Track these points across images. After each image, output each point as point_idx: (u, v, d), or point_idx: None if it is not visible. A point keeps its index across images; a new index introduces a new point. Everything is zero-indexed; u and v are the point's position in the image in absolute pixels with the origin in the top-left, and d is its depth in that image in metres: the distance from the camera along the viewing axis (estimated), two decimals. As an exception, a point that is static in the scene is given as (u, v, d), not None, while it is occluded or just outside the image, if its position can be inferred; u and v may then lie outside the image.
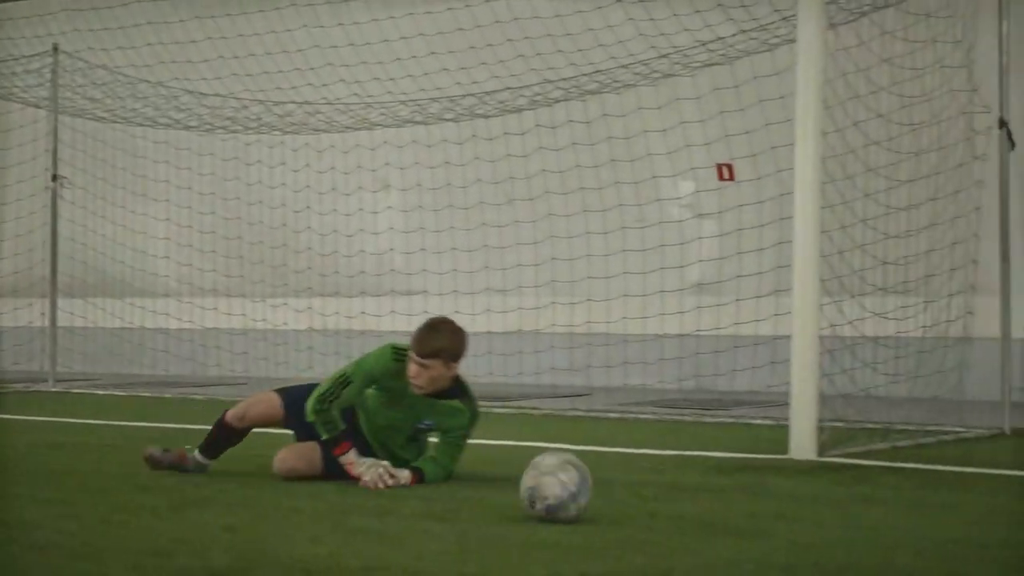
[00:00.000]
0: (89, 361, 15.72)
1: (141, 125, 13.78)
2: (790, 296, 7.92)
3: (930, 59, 9.30)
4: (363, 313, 13.08)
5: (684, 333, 11.62)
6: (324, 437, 6.68)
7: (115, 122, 14.08)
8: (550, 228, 12.16)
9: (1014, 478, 7.35)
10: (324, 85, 11.47)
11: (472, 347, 12.54)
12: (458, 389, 6.80)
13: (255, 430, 7.01)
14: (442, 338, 6.61)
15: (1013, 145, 9.42)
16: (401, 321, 12.93)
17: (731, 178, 11.52)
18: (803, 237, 7.90)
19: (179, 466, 6.99)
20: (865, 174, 9.14)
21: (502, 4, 10.50)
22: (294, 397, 6.87)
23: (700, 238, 11.80)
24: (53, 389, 13.71)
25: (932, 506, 6.30)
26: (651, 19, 9.86)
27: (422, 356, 6.54)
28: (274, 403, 6.91)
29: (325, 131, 12.46)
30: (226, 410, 6.98)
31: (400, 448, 6.87)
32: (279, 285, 13.75)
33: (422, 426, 6.85)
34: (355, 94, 11.59)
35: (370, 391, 6.80)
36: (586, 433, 9.41)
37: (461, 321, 6.57)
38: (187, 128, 13.31)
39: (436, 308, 12.81)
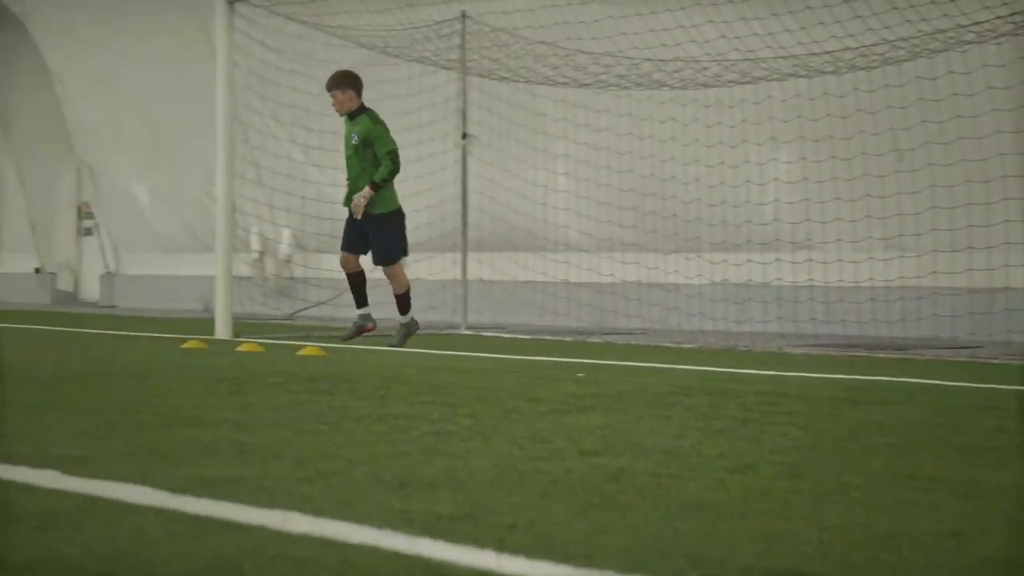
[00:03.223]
0: (499, 311, 16.65)
1: (540, 84, 14.55)
2: None
3: None
4: (749, 262, 13.50)
5: None
6: None
7: (517, 82, 14.93)
8: (931, 177, 12.26)
9: None
10: (706, 41, 11.95)
11: (855, 296, 12.67)
12: (364, 110, 11.64)
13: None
14: (334, 76, 11.76)
15: None
16: (787, 270, 13.28)
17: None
18: None
19: (363, 330, 11.96)
20: None
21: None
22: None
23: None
24: (465, 333, 14.73)
25: None
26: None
27: (328, 90, 11.74)
28: (341, 255, 11.86)
29: (712, 86, 12.95)
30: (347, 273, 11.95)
31: (365, 179, 11.53)
32: (669, 236, 14.28)
33: (353, 140, 11.55)
34: (736, 49, 12.04)
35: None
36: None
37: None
38: (583, 86, 14.03)
39: (820, 258, 13.10)
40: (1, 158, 23.76)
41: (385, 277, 11.84)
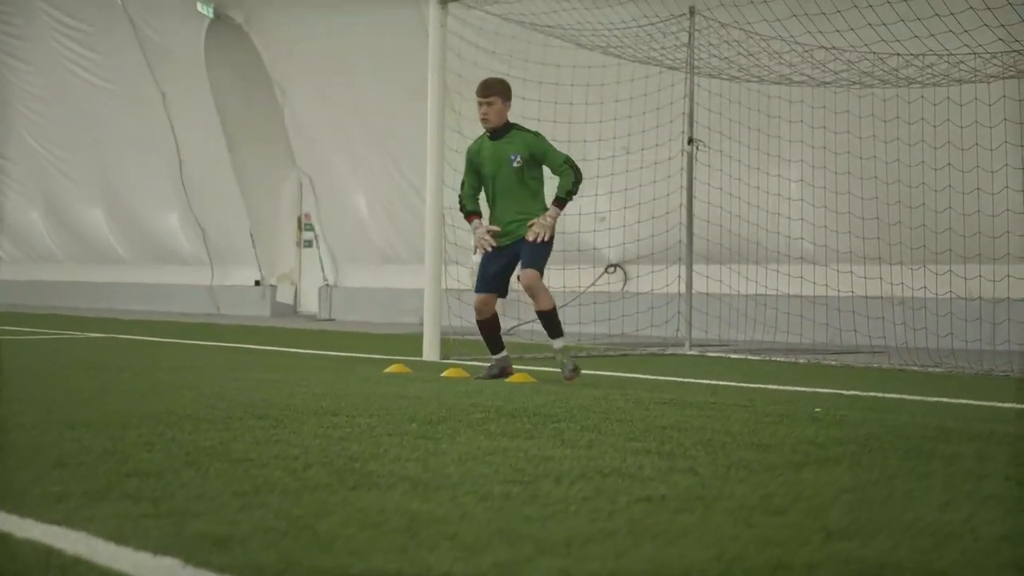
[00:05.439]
0: (724, 327, 15.72)
1: (775, 83, 13.53)
2: None
3: None
4: (1008, 276, 12.25)
5: None
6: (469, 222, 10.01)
7: (749, 81, 13.93)
8: None
9: None
10: (964, 31, 10.72)
11: None
12: (512, 125, 9.79)
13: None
14: (491, 81, 9.86)
15: None
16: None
17: None
18: None
19: (506, 372, 10.11)
20: None
21: None
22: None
23: None
24: (688, 353, 13.80)
25: None
26: None
27: (485, 97, 9.75)
28: (478, 297, 10.04)
29: (969, 82, 11.70)
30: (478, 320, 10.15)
31: (524, 205, 9.75)
32: (917, 248, 13.12)
33: (514, 162, 9.68)
34: (999, 39, 10.76)
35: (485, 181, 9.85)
36: None
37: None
38: (822, 85, 12.94)
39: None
40: (223, 169, 23.61)
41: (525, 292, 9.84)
